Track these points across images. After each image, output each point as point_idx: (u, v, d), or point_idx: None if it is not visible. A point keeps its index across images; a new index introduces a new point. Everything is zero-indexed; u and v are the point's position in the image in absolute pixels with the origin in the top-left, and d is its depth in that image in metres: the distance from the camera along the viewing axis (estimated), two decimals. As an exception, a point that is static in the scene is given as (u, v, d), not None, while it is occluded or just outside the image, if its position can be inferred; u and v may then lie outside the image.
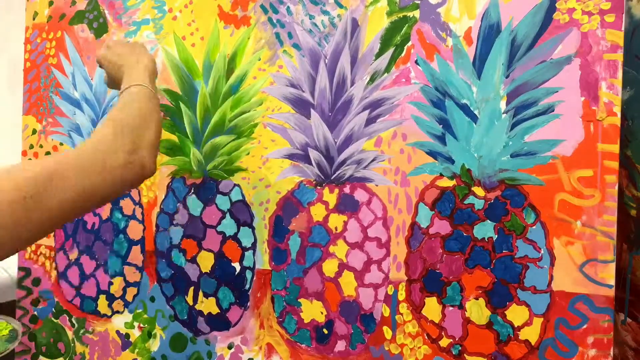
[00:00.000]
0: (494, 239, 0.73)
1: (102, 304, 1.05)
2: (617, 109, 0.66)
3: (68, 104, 1.09)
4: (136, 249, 1.01)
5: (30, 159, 1.14)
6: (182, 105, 0.95)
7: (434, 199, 0.77)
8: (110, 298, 1.03)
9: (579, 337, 0.68)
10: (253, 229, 0.90)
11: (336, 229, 0.84)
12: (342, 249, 0.83)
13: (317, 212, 0.85)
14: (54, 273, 1.11)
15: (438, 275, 0.77)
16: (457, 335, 0.76)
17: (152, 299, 1.00)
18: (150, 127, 0.70)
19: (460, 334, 0.75)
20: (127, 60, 0.80)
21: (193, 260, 0.95)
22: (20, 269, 1.15)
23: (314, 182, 0.86)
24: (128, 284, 1.02)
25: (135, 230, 1.01)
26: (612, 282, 0.67)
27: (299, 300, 0.86)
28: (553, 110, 0.70)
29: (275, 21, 0.89)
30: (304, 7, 0.86)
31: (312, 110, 0.85)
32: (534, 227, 0.71)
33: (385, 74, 0.80)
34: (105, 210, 1.04)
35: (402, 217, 0.79)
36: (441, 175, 0.77)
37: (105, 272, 1.04)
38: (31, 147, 1.14)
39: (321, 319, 0.85)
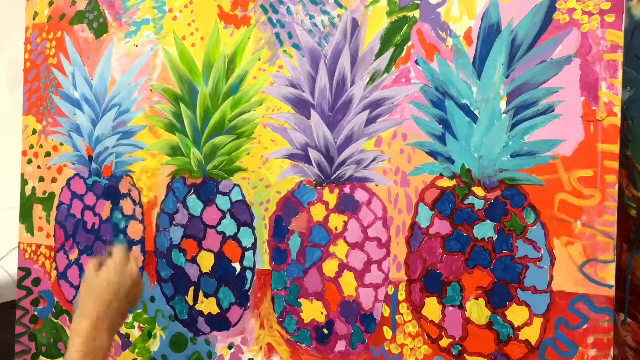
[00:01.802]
0: (494, 239, 0.73)
1: (102, 304, 1.05)
2: (617, 109, 0.66)
3: (68, 104, 1.09)
4: (136, 249, 1.01)
5: (30, 159, 1.14)
6: (182, 105, 0.96)
7: (434, 199, 0.77)
8: (110, 298, 1.03)
9: (579, 337, 0.68)
10: (253, 229, 0.90)
11: (336, 229, 0.84)
12: (342, 249, 0.83)
13: (317, 212, 0.85)
14: (54, 273, 1.11)
15: (438, 275, 0.77)
16: (457, 335, 0.76)
17: (152, 299, 1.00)
18: None
19: (460, 334, 0.75)
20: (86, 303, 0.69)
21: (193, 260, 0.95)
22: (20, 269, 1.15)
23: (314, 182, 0.86)
24: (128, 284, 1.02)
25: (135, 230, 1.01)
26: (612, 282, 0.67)
27: (299, 300, 0.86)
28: (553, 110, 0.70)
29: (275, 21, 0.89)
30: (304, 7, 0.86)
31: (312, 110, 0.85)
32: (534, 227, 0.71)
33: (385, 74, 0.80)
34: (105, 210, 1.04)
35: (402, 217, 0.79)
36: (441, 175, 0.77)
37: (105, 272, 1.04)
38: (31, 147, 1.14)
39: (321, 319, 0.85)
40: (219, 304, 0.93)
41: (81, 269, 1.07)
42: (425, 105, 0.78)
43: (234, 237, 0.92)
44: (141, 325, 1.01)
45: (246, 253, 0.91)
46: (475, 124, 0.74)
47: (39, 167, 1.13)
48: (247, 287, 0.91)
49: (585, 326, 0.68)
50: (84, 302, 0.68)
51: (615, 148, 0.67)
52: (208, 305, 0.94)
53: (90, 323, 0.66)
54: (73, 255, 1.08)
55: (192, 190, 0.95)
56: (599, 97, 0.67)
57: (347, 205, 0.83)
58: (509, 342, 0.72)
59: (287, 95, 0.87)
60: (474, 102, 0.75)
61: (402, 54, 0.79)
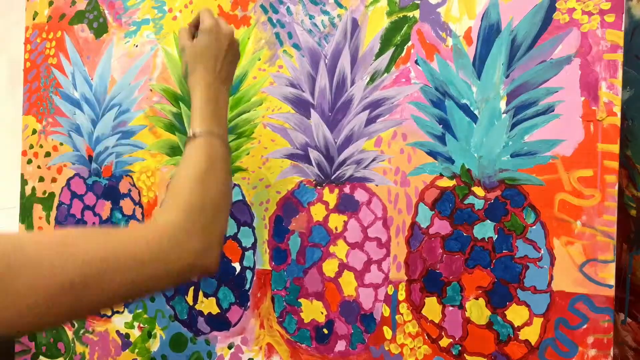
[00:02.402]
0: (494, 239, 0.73)
1: (102, 304, 1.04)
2: (617, 109, 0.66)
3: (68, 104, 1.09)
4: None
5: (30, 159, 1.14)
6: (182, 105, 0.95)
7: (434, 199, 0.77)
8: (110, 298, 1.03)
9: (579, 337, 0.68)
10: (253, 229, 0.90)
11: (336, 229, 0.84)
12: (342, 249, 0.83)
13: (317, 212, 0.85)
14: (54, 273, 1.10)
15: (438, 275, 0.77)
16: (457, 335, 0.76)
17: (152, 299, 1.00)
18: (224, 215, 0.60)
19: (460, 334, 0.75)
20: (204, 60, 0.68)
21: (193, 260, 0.95)
22: (20, 269, 1.15)
23: (314, 182, 0.86)
24: (128, 284, 1.02)
25: (135, 230, 1.01)
26: (612, 282, 0.67)
27: (299, 300, 0.86)
28: (553, 110, 0.70)
29: (275, 21, 0.89)
30: (304, 7, 0.86)
31: (312, 110, 0.85)
32: (534, 227, 0.71)
33: (385, 74, 0.80)
34: (105, 210, 1.04)
35: (402, 217, 0.79)
36: (441, 175, 0.77)
37: (105, 272, 1.04)
38: (31, 147, 1.14)
39: (321, 319, 0.85)
40: (219, 304, 0.93)
41: (81, 269, 1.07)
42: (425, 105, 0.78)
43: (234, 237, 0.92)
44: (141, 325, 1.01)
45: (246, 253, 0.91)
46: (475, 124, 0.74)
47: (39, 167, 1.13)
48: (247, 287, 0.91)
49: (585, 326, 0.68)
50: (192, 63, 0.69)
51: (615, 148, 0.67)
52: (208, 305, 0.94)
53: (207, 75, 0.67)
54: (73, 255, 1.08)
55: (192, 190, 0.95)
56: (599, 97, 0.67)
57: (347, 205, 0.83)
58: (509, 342, 0.72)
59: (287, 95, 0.87)
60: (474, 102, 0.75)
61: (402, 54, 0.79)
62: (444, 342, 0.76)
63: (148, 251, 0.49)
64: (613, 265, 0.67)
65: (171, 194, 0.56)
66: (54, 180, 1.11)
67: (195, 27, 0.73)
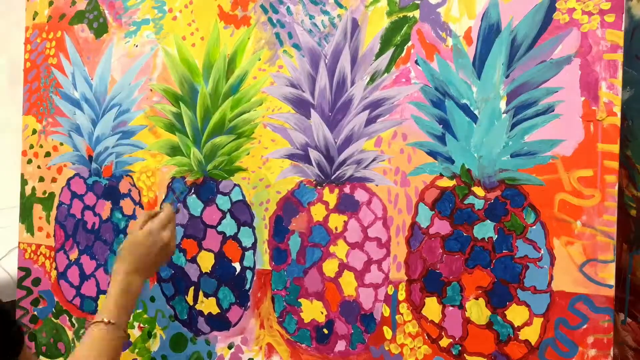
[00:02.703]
0: (494, 239, 0.73)
1: (102, 304, 1.05)
2: (617, 109, 0.66)
3: (68, 104, 1.09)
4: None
5: (30, 159, 1.14)
6: (182, 105, 0.96)
7: (434, 199, 0.77)
8: (111, 298, 1.03)
9: (579, 337, 0.68)
10: (253, 229, 0.90)
11: (336, 229, 0.84)
12: (342, 249, 0.83)
13: (317, 212, 0.85)
14: (54, 273, 1.11)
15: (438, 275, 0.77)
16: (457, 335, 0.76)
17: (152, 299, 1.00)
18: None
19: (460, 334, 0.75)
20: (133, 253, 0.80)
21: (193, 260, 0.95)
22: (20, 269, 1.15)
23: (314, 182, 0.86)
24: (128, 284, 1.02)
25: (135, 230, 1.01)
26: (612, 282, 0.67)
27: (299, 300, 0.86)
28: (553, 110, 0.70)
29: (275, 21, 0.89)
30: (304, 7, 0.86)
31: (312, 110, 0.85)
32: (534, 227, 0.71)
33: (385, 74, 0.80)
34: (105, 210, 1.04)
35: (402, 217, 0.79)
36: (441, 175, 0.77)
37: (105, 272, 1.04)
38: (31, 147, 1.14)
39: (321, 319, 0.85)
40: (219, 304, 0.93)
41: (81, 269, 1.07)
42: (425, 105, 0.78)
43: (234, 237, 0.92)
44: (141, 325, 1.01)
45: (246, 253, 0.91)
46: (475, 124, 0.74)
47: (39, 167, 1.13)
48: (247, 287, 0.91)
49: (585, 326, 0.68)
50: (125, 250, 0.80)
51: (615, 148, 0.67)
52: (208, 305, 0.94)
53: (129, 266, 0.79)
54: (73, 255, 1.08)
55: (192, 190, 0.95)
56: (599, 97, 0.67)
57: (347, 205, 0.83)
58: (509, 342, 0.72)
59: (287, 95, 0.87)
60: (474, 102, 0.75)
61: (402, 54, 0.79)
62: (444, 342, 0.76)
63: None
64: (613, 265, 0.67)
65: None
66: (54, 180, 1.11)
67: (151, 218, 0.85)
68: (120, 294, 0.76)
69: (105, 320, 0.73)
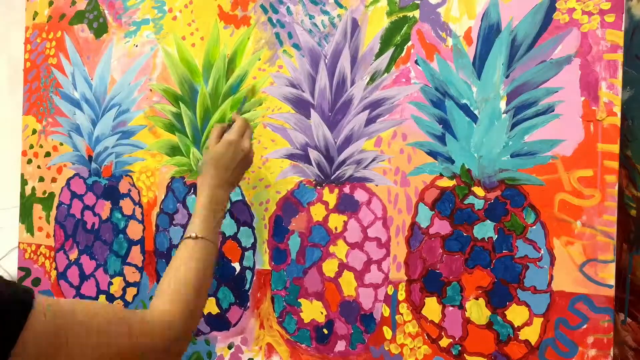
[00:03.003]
0: (494, 239, 0.73)
1: (102, 304, 1.04)
2: (617, 109, 0.66)
3: (68, 104, 1.09)
4: (136, 249, 1.01)
5: (30, 159, 1.14)
6: (182, 105, 0.95)
7: (434, 199, 0.77)
8: (110, 298, 1.03)
9: (579, 337, 0.68)
10: (253, 229, 0.90)
11: (336, 229, 0.84)
12: (342, 249, 0.83)
13: (317, 212, 0.85)
14: (54, 273, 1.11)
15: (438, 275, 0.77)
16: (457, 335, 0.76)
17: (152, 298, 0.99)
18: (202, 309, 0.70)
19: (460, 334, 0.75)
20: (217, 165, 0.77)
21: (193, 260, 0.95)
22: (20, 269, 1.15)
23: (314, 182, 0.86)
24: (128, 284, 1.02)
25: (135, 230, 1.01)
26: (612, 282, 0.67)
27: (299, 300, 0.86)
28: (553, 110, 0.70)
29: (275, 21, 0.89)
30: (304, 7, 0.86)
31: (312, 110, 0.85)
32: (534, 227, 0.71)
33: (385, 74, 0.80)
34: (105, 210, 1.04)
35: (402, 217, 0.79)
36: (441, 175, 0.77)
37: (105, 272, 1.04)
38: (31, 147, 1.14)
39: (321, 319, 0.85)
40: (218, 304, 0.93)
41: (81, 269, 1.07)
42: (425, 105, 0.78)
43: (234, 237, 0.92)
44: (141, 325, 1.01)
45: (246, 253, 0.91)
46: (475, 124, 0.74)
47: (39, 167, 1.13)
48: (247, 287, 0.91)
49: (585, 326, 0.68)
50: (207, 164, 0.77)
51: (615, 148, 0.66)
52: (208, 306, 0.94)
53: (212, 180, 0.76)
54: (73, 255, 1.08)
55: (192, 190, 0.95)
56: (599, 97, 0.67)
57: (347, 205, 0.83)
58: (509, 342, 0.72)
59: (287, 95, 0.87)
60: (474, 102, 0.75)
61: (402, 54, 0.79)
62: (444, 342, 0.76)
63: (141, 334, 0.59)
64: (613, 265, 0.67)
65: (169, 288, 0.66)
66: (54, 180, 1.11)
67: (227, 128, 0.82)
68: (207, 209, 0.74)
69: (194, 235, 0.71)
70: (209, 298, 0.94)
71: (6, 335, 0.46)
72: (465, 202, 0.75)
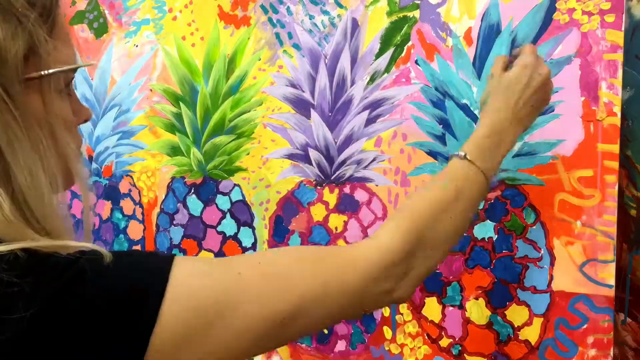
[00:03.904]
0: (494, 239, 0.73)
1: (102, 304, 1.04)
2: (617, 109, 0.66)
3: (68, 104, 1.09)
4: (136, 249, 1.01)
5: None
6: (182, 105, 0.96)
7: (434, 199, 0.77)
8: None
9: (579, 337, 0.68)
10: (253, 229, 0.90)
11: (336, 229, 0.84)
12: (342, 249, 0.83)
13: (317, 212, 0.85)
14: (54, 273, 1.11)
15: (438, 275, 0.77)
16: (457, 335, 0.76)
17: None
18: (441, 255, 0.55)
19: (460, 334, 0.75)
20: (508, 93, 0.61)
21: (193, 260, 0.95)
22: (20, 269, 1.15)
23: (314, 182, 0.86)
24: (128, 284, 1.02)
25: (135, 230, 1.01)
26: (612, 282, 0.67)
27: (299, 300, 0.86)
28: (553, 110, 0.70)
29: (275, 21, 0.89)
30: (304, 7, 0.86)
31: (312, 110, 0.85)
32: (534, 227, 0.71)
33: (385, 74, 0.80)
34: (105, 210, 1.04)
35: (402, 217, 0.79)
36: (441, 175, 0.77)
37: (105, 272, 1.04)
38: (31, 147, 1.14)
39: (321, 319, 0.85)
40: (219, 304, 0.93)
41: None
42: (425, 105, 0.78)
43: (234, 237, 0.92)
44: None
45: (246, 253, 0.91)
46: (475, 124, 0.74)
47: (39, 167, 1.13)
48: (247, 287, 0.91)
49: (585, 326, 0.68)
50: (493, 94, 0.62)
51: (615, 148, 0.66)
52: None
53: (499, 113, 0.60)
54: (73, 255, 1.08)
55: (192, 190, 0.95)
56: (599, 97, 0.67)
57: (347, 205, 0.83)
58: (509, 342, 0.72)
59: (287, 95, 0.87)
60: (474, 102, 0.75)
61: (402, 54, 0.79)
62: (444, 342, 0.76)
63: (355, 279, 0.47)
64: (613, 265, 0.67)
65: (404, 213, 0.52)
66: (54, 180, 1.11)
67: (513, 60, 0.66)
68: (488, 136, 0.58)
69: (462, 154, 0.56)
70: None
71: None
72: (465, 202, 0.75)
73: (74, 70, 0.47)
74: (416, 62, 0.78)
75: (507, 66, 0.65)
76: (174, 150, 0.97)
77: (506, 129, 0.59)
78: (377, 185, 0.81)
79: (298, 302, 0.43)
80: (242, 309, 0.41)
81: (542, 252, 0.70)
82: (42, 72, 0.41)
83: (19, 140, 0.39)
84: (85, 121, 0.50)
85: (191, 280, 0.40)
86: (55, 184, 0.42)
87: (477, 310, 0.74)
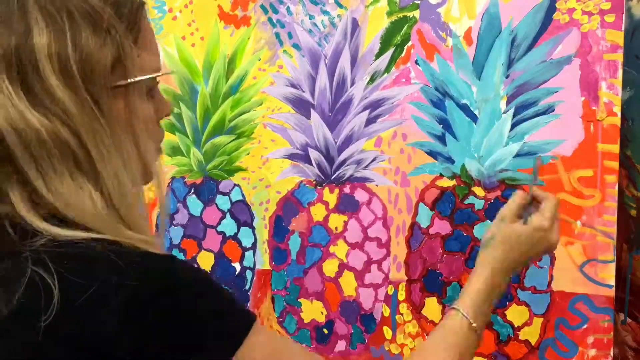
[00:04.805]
0: (494, 239, 0.73)
1: (102, 304, 1.04)
2: (617, 109, 0.66)
3: (68, 104, 1.09)
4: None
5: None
6: (182, 105, 0.95)
7: (434, 199, 0.77)
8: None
9: (579, 337, 0.68)
10: (253, 229, 0.90)
11: (336, 229, 0.84)
12: (342, 249, 0.83)
13: (317, 212, 0.85)
14: (54, 273, 1.10)
15: (438, 275, 0.77)
16: (457, 335, 0.75)
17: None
18: None
19: (460, 334, 0.75)
20: (513, 248, 0.61)
21: (193, 260, 0.95)
22: (20, 269, 1.15)
23: (314, 182, 0.86)
24: (128, 284, 1.02)
25: (135, 230, 1.01)
26: (612, 282, 0.67)
27: (299, 300, 0.86)
28: (553, 110, 0.70)
29: (275, 21, 0.88)
30: (304, 7, 0.86)
31: (312, 110, 0.85)
32: (534, 227, 0.71)
33: (385, 74, 0.80)
34: (105, 210, 1.04)
35: (402, 217, 0.79)
36: (441, 175, 0.77)
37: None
38: (31, 147, 1.14)
39: (321, 319, 0.85)
40: (219, 304, 0.93)
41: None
42: (425, 105, 0.78)
43: (234, 237, 0.92)
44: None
45: (246, 253, 0.91)
46: (475, 124, 0.74)
47: (39, 167, 1.13)
48: (247, 287, 0.91)
49: (585, 326, 0.68)
50: (501, 243, 0.61)
51: (615, 148, 0.67)
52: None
53: (500, 264, 0.61)
54: (73, 255, 1.08)
55: (192, 190, 0.95)
56: (599, 97, 0.67)
57: (347, 205, 0.83)
58: (509, 342, 0.72)
59: (287, 95, 0.87)
60: (474, 102, 0.75)
61: (402, 54, 0.79)
62: (444, 342, 0.76)
63: None
64: (613, 265, 0.67)
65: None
66: (54, 180, 1.11)
67: (530, 204, 0.65)
68: (482, 293, 0.59)
69: (464, 313, 0.58)
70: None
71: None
72: (466, 202, 0.75)
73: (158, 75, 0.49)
74: (416, 62, 0.78)
75: (522, 209, 0.64)
76: (174, 150, 0.97)
77: (499, 282, 0.60)
78: (377, 185, 0.81)
79: None
80: None
81: (542, 252, 0.70)
82: (129, 80, 0.43)
83: (106, 146, 0.42)
84: (167, 115, 0.52)
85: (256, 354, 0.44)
86: (135, 181, 0.45)
87: (477, 310, 0.74)
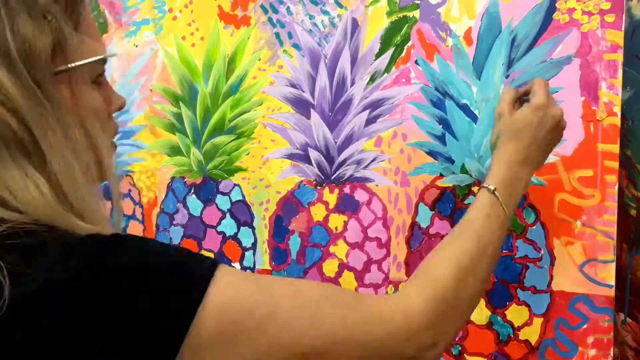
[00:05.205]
0: (494, 239, 0.73)
1: (102, 304, 1.04)
2: (617, 109, 0.66)
3: (68, 104, 1.09)
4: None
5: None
6: (182, 105, 0.95)
7: (434, 199, 0.77)
8: (111, 298, 1.03)
9: (579, 337, 0.68)
10: (253, 229, 0.90)
11: (336, 229, 0.84)
12: (342, 249, 0.83)
13: (317, 212, 0.85)
14: (54, 273, 1.11)
15: (438, 275, 0.77)
16: (457, 335, 0.76)
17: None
18: (468, 315, 0.55)
19: (460, 334, 0.75)
20: (520, 137, 0.59)
21: (193, 260, 0.95)
22: (20, 269, 1.15)
23: (314, 182, 0.86)
24: (128, 284, 1.02)
25: (135, 230, 1.01)
26: (612, 282, 0.67)
27: (299, 300, 0.86)
28: (553, 110, 0.70)
29: (275, 21, 0.88)
30: (304, 7, 0.86)
31: (312, 110, 0.85)
32: (534, 227, 0.71)
33: (385, 74, 0.80)
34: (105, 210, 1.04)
35: (402, 217, 0.79)
36: (441, 175, 0.77)
37: (105, 272, 1.04)
38: (31, 147, 1.14)
39: (321, 319, 0.85)
40: (219, 304, 0.93)
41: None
42: (425, 105, 0.78)
43: (234, 237, 0.92)
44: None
45: (246, 253, 0.91)
46: (475, 124, 0.74)
47: (39, 167, 1.13)
48: (247, 287, 0.91)
49: (585, 326, 0.68)
50: (505, 136, 0.60)
51: (615, 148, 0.67)
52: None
53: (511, 156, 0.59)
54: (73, 255, 1.08)
55: (192, 190, 0.95)
56: (599, 97, 0.67)
57: (347, 205, 0.83)
58: (509, 342, 0.72)
59: (287, 95, 0.87)
60: (474, 102, 0.75)
61: (402, 54, 0.79)
62: (444, 342, 0.76)
63: (380, 334, 0.46)
64: (613, 265, 0.67)
65: (429, 274, 0.51)
66: (54, 180, 1.11)
67: (522, 95, 0.65)
68: (502, 186, 0.56)
69: (492, 187, 0.56)
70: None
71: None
72: (466, 202, 0.75)
73: (103, 61, 0.50)
74: (416, 62, 0.78)
75: (516, 101, 0.63)
76: (174, 150, 0.97)
77: (521, 174, 0.58)
78: (377, 185, 0.81)
79: (321, 341, 0.43)
80: (269, 332, 0.41)
81: (542, 252, 0.70)
82: (69, 65, 0.43)
83: (52, 129, 0.41)
84: (120, 109, 0.52)
85: (228, 290, 0.42)
86: (89, 174, 0.45)
87: (477, 310, 0.74)
